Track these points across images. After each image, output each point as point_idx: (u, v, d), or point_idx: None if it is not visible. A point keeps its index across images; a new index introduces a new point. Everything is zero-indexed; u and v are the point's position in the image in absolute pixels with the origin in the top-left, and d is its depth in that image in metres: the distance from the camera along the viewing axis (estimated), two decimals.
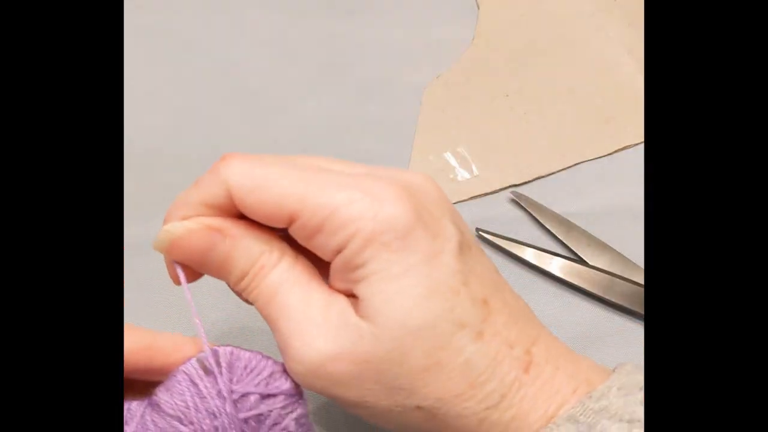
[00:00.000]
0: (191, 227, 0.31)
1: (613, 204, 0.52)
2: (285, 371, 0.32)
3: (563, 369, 0.31)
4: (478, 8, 0.61)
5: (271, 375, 0.31)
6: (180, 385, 0.30)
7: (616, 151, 0.54)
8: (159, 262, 0.33)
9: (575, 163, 0.54)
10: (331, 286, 0.32)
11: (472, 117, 0.55)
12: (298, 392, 0.32)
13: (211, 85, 0.56)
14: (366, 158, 0.53)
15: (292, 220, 0.30)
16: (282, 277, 0.31)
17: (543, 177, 0.53)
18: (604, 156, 0.54)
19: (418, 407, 0.30)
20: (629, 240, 0.49)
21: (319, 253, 0.31)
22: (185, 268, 0.32)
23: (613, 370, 0.32)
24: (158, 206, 0.51)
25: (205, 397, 0.30)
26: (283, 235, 0.32)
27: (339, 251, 0.30)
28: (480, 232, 0.50)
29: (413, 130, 0.55)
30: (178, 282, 0.32)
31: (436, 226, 0.30)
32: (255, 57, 0.58)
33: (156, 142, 0.53)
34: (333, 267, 0.31)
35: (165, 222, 0.32)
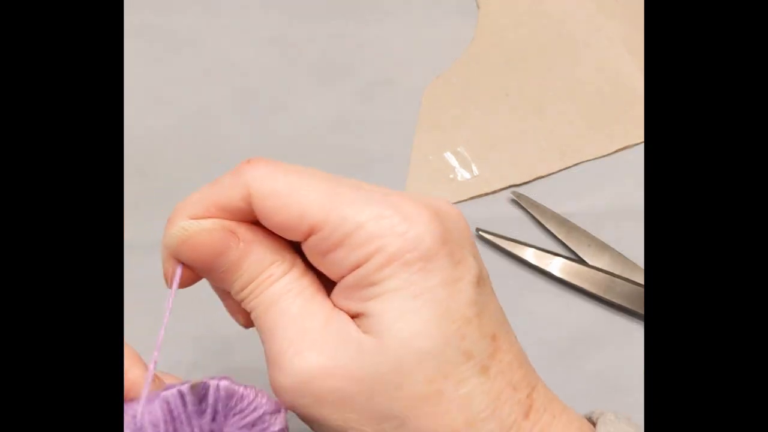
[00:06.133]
0: (208, 227, 0.30)
1: (613, 204, 0.52)
2: (278, 411, 0.30)
3: (559, 418, 0.30)
4: (478, 8, 0.61)
5: (260, 417, 0.29)
6: (154, 413, 0.28)
7: (616, 151, 0.54)
8: (159, 263, 0.32)
9: (575, 163, 0.54)
10: (334, 304, 0.31)
11: (472, 117, 0.55)
12: None
13: (211, 85, 0.56)
14: (366, 158, 0.53)
15: (311, 232, 0.29)
16: (287, 287, 0.30)
17: (543, 177, 0.53)
18: (604, 156, 0.54)
19: None
20: (629, 240, 0.49)
21: (328, 270, 0.30)
22: (186, 269, 0.31)
23: (594, 423, 0.31)
24: (158, 206, 0.51)
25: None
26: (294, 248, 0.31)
27: (356, 267, 0.29)
28: (480, 232, 0.50)
29: (413, 130, 0.55)
30: (170, 284, 0.31)
31: (459, 254, 0.30)
32: (255, 57, 0.58)
33: (156, 142, 0.53)
34: (342, 283, 0.30)
35: (171, 220, 0.31)
